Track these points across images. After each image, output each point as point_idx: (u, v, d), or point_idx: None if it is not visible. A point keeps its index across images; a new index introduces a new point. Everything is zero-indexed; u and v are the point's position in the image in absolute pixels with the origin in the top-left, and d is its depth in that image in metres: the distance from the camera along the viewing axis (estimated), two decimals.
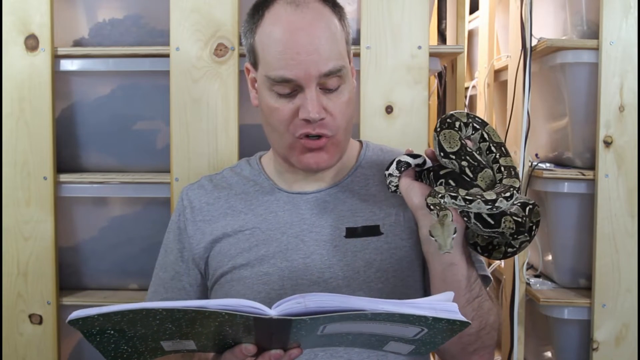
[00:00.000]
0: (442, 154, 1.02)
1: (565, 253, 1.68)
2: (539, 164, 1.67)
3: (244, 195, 1.15)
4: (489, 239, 1.04)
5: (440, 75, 2.13)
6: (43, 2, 1.50)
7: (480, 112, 2.16)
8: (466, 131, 1.05)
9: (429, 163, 1.06)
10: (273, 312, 0.77)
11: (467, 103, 2.31)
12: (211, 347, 0.89)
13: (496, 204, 0.93)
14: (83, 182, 1.57)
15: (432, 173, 1.03)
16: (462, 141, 1.01)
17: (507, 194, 0.93)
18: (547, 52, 1.63)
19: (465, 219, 0.98)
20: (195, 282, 1.15)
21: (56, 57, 1.54)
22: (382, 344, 0.91)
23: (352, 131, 1.14)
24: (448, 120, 1.05)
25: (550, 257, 1.73)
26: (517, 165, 1.65)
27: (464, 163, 1.00)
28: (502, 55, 2.01)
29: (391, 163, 1.06)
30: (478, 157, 1.01)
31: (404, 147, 1.15)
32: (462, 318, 0.80)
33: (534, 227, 1.02)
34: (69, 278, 1.63)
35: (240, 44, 1.48)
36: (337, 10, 1.07)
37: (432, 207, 0.93)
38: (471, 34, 2.37)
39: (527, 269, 1.78)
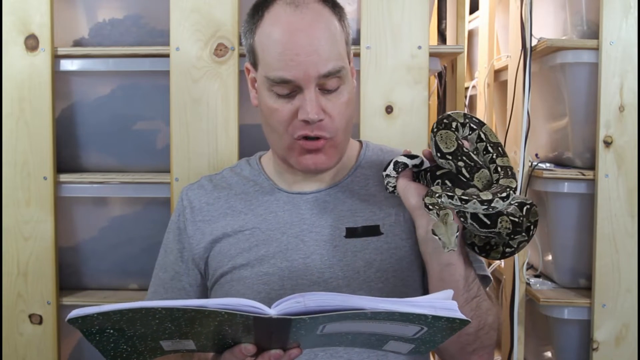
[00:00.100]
0: (438, 154, 1.02)
1: (565, 253, 1.68)
2: (539, 164, 1.67)
3: (243, 196, 1.15)
4: (486, 239, 1.04)
5: (440, 75, 2.13)
6: (43, 2, 1.50)
7: (480, 112, 2.16)
8: (463, 131, 1.05)
9: (426, 164, 1.06)
10: (272, 311, 0.77)
11: (467, 103, 2.31)
12: (210, 347, 0.89)
13: (492, 204, 0.93)
14: (83, 182, 1.57)
15: (429, 174, 1.03)
16: (459, 142, 1.01)
17: (504, 194, 0.94)
18: (547, 52, 1.63)
19: (461, 219, 0.98)
20: (195, 283, 1.15)
21: (56, 57, 1.54)
22: (382, 343, 0.91)
23: (351, 131, 1.14)
24: (445, 120, 1.05)
25: (550, 257, 1.73)
26: (517, 165, 1.65)
27: (461, 163, 1.00)
28: (502, 55, 2.01)
29: (388, 164, 1.06)
30: (475, 157, 1.01)
31: (404, 147, 1.15)
32: (462, 316, 0.80)
33: (532, 227, 1.02)
34: (69, 278, 1.63)
35: (240, 44, 1.48)
36: (337, 10, 1.07)
37: (430, 206, 0.93)
38: (471, 34, 2.37)
39: (527, 269, 1.78)
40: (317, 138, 1.05)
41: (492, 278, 1.17)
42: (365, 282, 1.06)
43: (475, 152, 1.05)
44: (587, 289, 1.64)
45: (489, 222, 0.97)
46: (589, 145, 1.60)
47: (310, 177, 1.13)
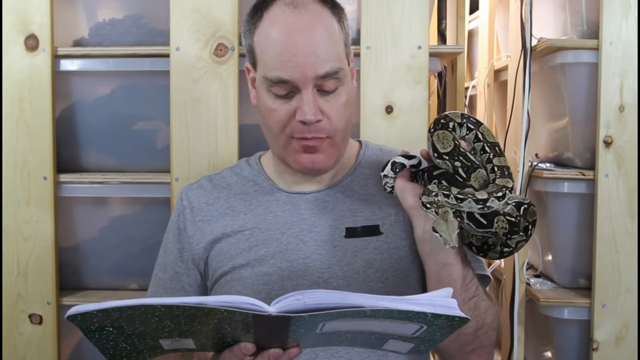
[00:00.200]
0: (435, 154, 1.02)
1: (565, 253, 1.68)
2: (539, 164, 1.67)
3: (243, 196, 1.15)
4: (483, 239, 1.05)
5: (440, 75, 2.13)
6: (43, 2, 1.50)
7: (480, 112, 2.17)
8: (460, 131, 1.05)
9: (424, 164, 1.06)
10: (272, 309, 0.77)
11: (467, 103, 2.31)
12: (210, 346, 0.89)
13: (487, 204, 0.93)
14: (83, 182, 1.57)
15: (426, 174, 1.03)
16: (456, 142, 1.01)
17: (499, 194, 0.94)
18: (547, 52, 1.63)
19: (458, 219, 0.98)
20: (195, 283, 1.15)
21: (56, 57, 1.54)
22: (382, 342, 0.91)
23: (351, 132, 1.14)
24: (442, 120, 1.05)
25: (550, 257, 1.73)
26: (517, 165, 1.65)
27: (457, 163, 1.00)
28: (502, 55, 2.01)
29: (386, 164, 1.07)
30: (471, 157, 1.01)
31: (404, 147, 1.15)
32: (461, 314, 0.80)
33: (530, 227, 1.03)
34: (69, 278, 1.63)
35: (240, 44, 1.48)
36: (337, 11, 1.07)
37: (428, 205, 0.94)
38: (471, 34, 2.37)
39: (527, 269, 1.78)
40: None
41: (492, 278, 1.17)
42: (365, 282, 1.06)
43: (472, 152, 1.05)
44: (587, 289, 1.64)
45: (485, 222, 0.97)
46: (589, 145, 1.60)
47: (309, 177, 1.13)
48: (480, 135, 1.05)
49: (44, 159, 1.53)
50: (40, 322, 1.56)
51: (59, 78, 1.56)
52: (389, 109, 1.49)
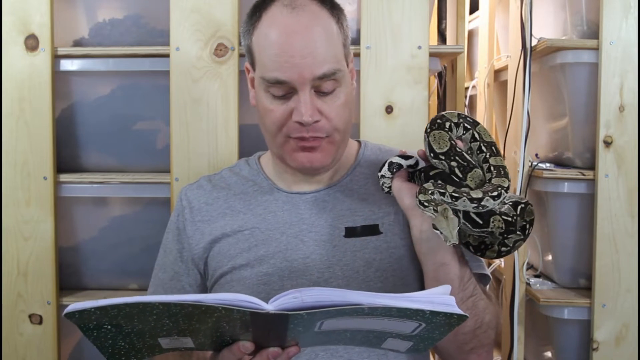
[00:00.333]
0: (432, 154, 1.02)
1: (565, 253, 1.68)
2: (539, 164, 1.67)
3: (242, 195, 1.16)
4: (479, 239, 1.05)
5: (440, 75, 2.13)
6: (43, 2, 1.50)
7: (480, 112, 2.17)
8: (457, 131, 1.06)
9: (422, 164, 1.06)
10: (269, 306, 0.77)
11: (467, 103, 2.31)
12: (209, 344, 0.89)
13: (482, 203, 0.93)
14: (83, 182, 1.57)
15: (422, 174, 1.04)
16: (452, 141, 1.02)
17: (495, 193, 0.94)
18: (547, 52, 1.63)
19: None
20: (194, 283, 1.15)
21: (56, 57, 1.54)
22: (381, 340, 0.91)
23: (350, 133, 1.14)
24: (438, 121, 1.05)
25: (550, 257, 1.73)
26: (518, 165, 1.65)
27: (454, 163, 1.00)
28: (502, 55, 2.01)
29: (383, 164, 1.07)
30: (468, 157, 1.01)
31: (404, 147, 1.15)
32: (459, 311, 0.80)
33: (527, 226, 1.03)
34: (69, 278, 1.63)
35: (240, 44, 1.48)
36: (336, 12, 1.07)
37: (426, 203, 0.94)
38: (471, 34, 2.37)
39: (527, 269, 1.78)
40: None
41: (491, 277, 1.17)
42: (365, 282, 1.06)
43: (469, 152, 1.05)
44: (587, 289, 1.63)
45: (481, 222, 0.97)
46: (589, 145, 1.60)
47: (309, 176, 1.13)
48: (476, 135, 1.05)
49: (44, 159, 1.53)
50: (40, 322, 1.56)
51: (59, 78, 1.56)
52: (389, 109, 1.49)
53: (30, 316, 1.56)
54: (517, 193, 1.64)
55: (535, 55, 1.65)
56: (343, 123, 1.07)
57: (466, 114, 1.10)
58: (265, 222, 1.11)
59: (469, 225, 0.98)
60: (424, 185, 0.97)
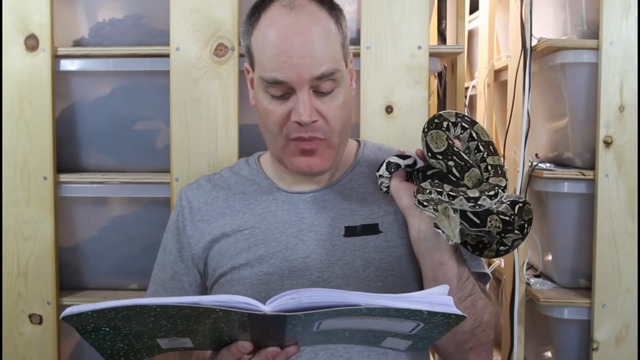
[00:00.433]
0: (429, 154, 1.02)
1: (565, 253, 1.68)
2: (539, 164, 1.67)
3: (242, 195, 1.16)
4: (477, 238, 1.04)
5: (440, 75, 2.13)
6: (43, 2, 1.50)
7: (480, 112, 2.17)
8: (455, 131, 1.06)
9: (420, 163, 1.06)
10: (267, 308, 0.77)
11: (467, 103, 2.31)
12: (208, 344, 0.89)
13: (479, 202, 0.93)
14: (83, 182, 1.57)
15: (420, 173, 1.04)
16: (449, 141, 1.02)
17: (491, 193, 0.94)
18: (547, 52, 1.63)
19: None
20: (194, 282, 1.15)
21: (56, 57, 1.54)
22: (380, 340, 0.91)
23: (349, 134, 1.14)
24: (436, 120, 1.05)
25: (550, 257, 1.73)
26: (518, 165, 1.65)
27: (451, 163, 1.00)
28: (502, 55, 2.01)
29: (381, 164, 1.07)
30: (465, 156, 1.01)
31: (404, 147, 1.15)
32: (457, 311, 0.80)
33: (526, 225, 1.03)
34: (69, 278, 1.63)
35: (240, 44, 1.48)
36: (334, 13, 1.07)
37: (425, 203, 0.94)
38: (471, 34, 2.37)
39: (527, 269, 1.78)
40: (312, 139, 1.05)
41: (490, 276, 1.17)
42: (365, 281, 1.06)
43: (466, 151, 1.05)
44: (587, 289, 1.63)
45: (478, 221, 0.97)
46: (589, 145, 1.60)
47: (308, 176, 1.14)
48: (474, 134, 1.05)
49: (44, 159, 1.53)
50: (40, 322, 1.56)
51: (59, 78, 1.56)
52: (389, 109, 1.49)
53: (30, 316, 1.56)
54: (517, 193, 1.64)
55: (535, 55, 1.65)
56: (341, 124, 1.07)
57: (464, 113, 1.10)
58: (265, 221, 1.11)
59: (466, 225, 0.98)
60: (421, 184, 0.97)
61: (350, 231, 1.09)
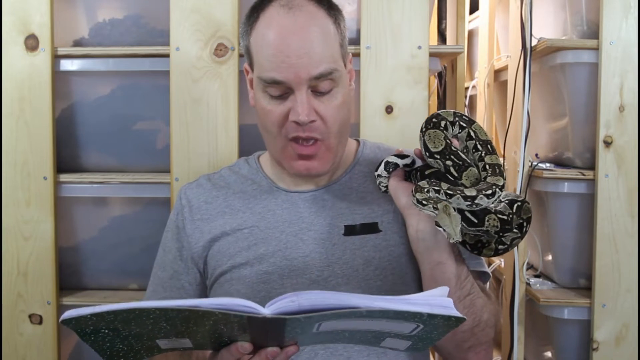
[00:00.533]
0: (427, 153, 1.02)
1: (565, 253, 1.68)
2: (539, 164, 1.67)
3: (242, 194, 1.16)
4: (475, 237, 1.04)
5: (440, 75, 2.13)
6: (43, 2, 1.50)
7: (480, 112, 2.17)
8: (453, 130, 1.06)
9: (418, 163, 1.06)
10: (266, 311, 0.77)
11: (467, 103, 2.31)
12: (207, 345, 0.89)
13: (476, 201, 0.93)
14: (83, 182, 1.57)
15: (418, 173, 1.04)
16: (447, 140, 1.02)
17: (489, 192, 0.94)
18: (547, 52, 1.63)
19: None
20: (194, 281, 1.15)
21: (56, 57, 1.54)
22: (379, 340, 0.91)
23: (348, 134, 1.14)
24: (433, 120, 1.05)
25: (550, 257, 1.73)
26: (518, 165, 1.65)
27: (449, 162, 1.00)
28: (502, 55, 2.01)
29: (380, 164, 1.07)
30: (463, 156, 1.02)
31: (404, 147, 1.15)
32: (457, 314, 0.80)
33: (524, 224, 1.02)
34: (69, 278, 1.63)
35: (239, 44, 1.48)
36: (333, 13, 1.07)
37: (424, 202, 0.94)
38: (471, 34, 2.37)
39: (527, 269, 1.78)
40: (309, 140, 1.05)
41: (490, 274, 1.17)
42: (364, 280, 1.06)
43: (465, 151, 1.05)
44: (587, 289, 1.63)
45: (476, 221, 0.97)
46: (589, 145, 1.60)
47: (307, 178, 1.14)
48: (472, 134, 1.05)
49: (44, 159, 1.53)
50: (40, 322, 1.56)
51: (59, 78, 1.56)
52: (389, 109, 1.49)
53: (30, 316, 1.56)
54: (517, 193, 1.64)
55: (535, 55, 1.65)
56: (339, 125, 1.07)
57: (462, 112, 1.10)
58: (265, 220, 1.11)
59: (464, 224, 0.98)
60: (419, 183, 0.97)
61: (350, 230, 1.09)
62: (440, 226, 0.91)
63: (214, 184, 1.19)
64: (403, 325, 0.83)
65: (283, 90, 1.04)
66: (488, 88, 2.10)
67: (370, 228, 1.09)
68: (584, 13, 1.62)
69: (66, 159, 1.60)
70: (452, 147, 1.01)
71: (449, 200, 0.94)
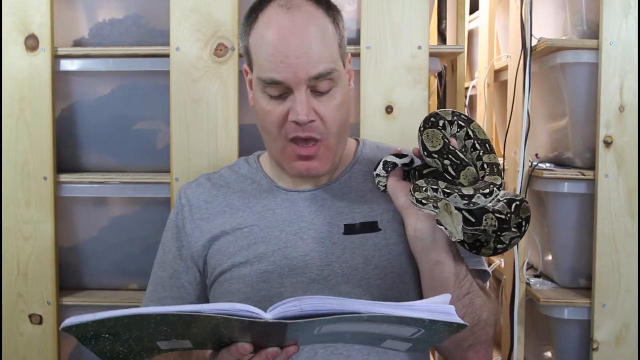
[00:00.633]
0: (425, 153, 1.02)
1: (565, 253, 1.68)
2: (539, 164, 1.67)
3: (241, 193, 1.16)
4: (473, 237, 1.04)
5: (440, 75, 2.13)
6: (43, 2, 1.50)
7: (480, 112, 2.17)
8: (451, 129, 1.06)
9: (417, 162, 1.06)
10: (268, 315, 0.77)
11: (467, 103, 2.31)
12: (208, 345, 0.89)
13: (473, 200, 0.93)
14: (83, 182, 1.57)
15: (416, 172, 1.04)
16: (445, 140, 1.02)
17: (486, 191, 0.94)
18: (547, 52, 1.63)
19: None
20: (194, 280, 1.15)
21: (56, 57, 1.54)
22: (380, 341, 0.91)
23: (347, 134, 1.14)
24: (432, 119, 1.05)
25: (550, 257, 1.73)
26: (518, 165, 1.65)
27: (447, 162, 1.00)
28: (502, 55, 2.01)
29: (378, 163, 1.07)
30: (461, 155, 1.02)
31: (404, 147, 1.15)
32: (459, 320, 0.80)
33: (523, 223, 1.02)
34: (69, 278, 1.63)
35: (239, 44, 1.48)
36: (331, 12, 1.07)
37: (424, 201, 0.93)
38: (471, 34, 2.37)
39: (527, 269, 1.78)
40: (309, 140, 1.05)
41: (490, 273, 1.17)
42: (364, 279, 1.06)
43: (463, 150, 1.05)
44: (587, 289, 1.63)
45: (473, 220, 0.97)
46: (589, 145, 1.60)
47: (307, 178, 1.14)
48: (470, 133, 1.05)
49: (44, 159, 1.53)
50: (40, 322, 1.56)
51: (59, 78, 1.56)
52: (389, 109, 1.49)
53: (30, 316, 1.56)
54: (517, 193, 1.64)
55: (535, 55, 1.65)
56: (338, 125, 1.08)
57: (460, 111, 1.10)
58: (265, 219, 1.11)
59: (462, 224, 0.98)
60: (416, 182, 0.97)
61: (350, 229, 1.09)
62: (441, 225, 0.91)
63: (214, 183, 1.19)
64: (404, 329, 0.83)
65: (282, 91, 1.04)
66: (488, 88, 2.10)
67: (370, 227, 1.09)
68: (584, 13, 1.62)
69: (66, 159, 1.60)
70: (450, 146, 1.01)
71: (446, 198, 0.94)
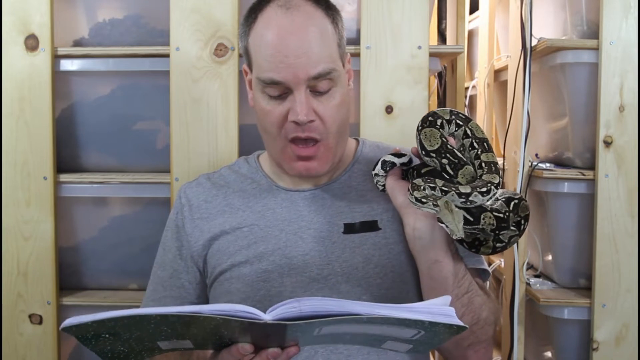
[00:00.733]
0: (423, 152, 1.03)
1: (565, 253, 1.68)
2: (539, 164, 1.67)
3: (241, 193, 1.16)
4: (472, 235, 1.04)
5: (440, 75, 2.13)
6: (43, 2, 1.50)
7: (480, 112, 2.17)
8: (449, 128, 1.06)
9: (415, 161, 1.06)
10: (267, 316, 0.77)
11: (467, 103, 2.31)
12: (208, 345, 0.89)
13: (470, 198, 0.93)
14: (83, 182, 1.57)
15: (415, 172, 1.04)
16: (443, 139, 1.02)
17: (484, 189, 0.94)
18: (547, 52, 1.63)
19: None
20: (194, 280, 1.15)
21: (56, 57, 1.54)
22: (380, 342, 0.91)
23: (347, 134, 1.14)
24: (430, 118, 1.05)
25: (550, 257, 1.73)
26: (518, 165, 1.65)
27: (445, 161, 1.00)
28: (502, 55, 2.01)
29: (377, 163, 1.07)
30: (459, 154, 1.02)
31: (404, 147, 1.15)
32: (459, 322, 0.80)
33: (522, 222, 1.02)
34: (69, 278, 1.63)
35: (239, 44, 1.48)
36: (331, 12, 1.08)
37: (423, 200, 0.93)
38: (471, 34, 2.37)
39: (527, 269, 1.78)
40: (308, 141, 1.05)
41: (490, 272, 1.17)
42: (364, 278, 1.06)
43: (461, 149, 1.05)
44: (587, 289, 1.63)
45: (471, 219, 0.97)
46: (589, 145, 1.60)
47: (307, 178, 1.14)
48: (469, 132, 1.05)
49: (44, 159, 1.53)
50: (40, 322, 1.56)
51: (59, 78, 1.56)
52: (389, 109, 1.49)
53: (30, 316, 1.56)
54: (517, 190, 1.64)
55: (535, 55, 1.65)
56: (338, 125, 1.08)
57: (458, 110, 1.10)
58: (264, 219, 1.12)
59: None
60: (414, 181, 0.97)
61: (349, 228, 1.09)
62: (442, 222, 0.90)
63: (214, 183, 1.19)
64: (404, 331, 0.83)
65: (282, 91, 1.04)
66: (488, 88, 2.10)
67: (370, 226, 1.10)
68: (584, 13, 1.62)
69: (66, 159, 1.60)
70: (448, 146, 1.01)
71: (444, 196, 0.94)
